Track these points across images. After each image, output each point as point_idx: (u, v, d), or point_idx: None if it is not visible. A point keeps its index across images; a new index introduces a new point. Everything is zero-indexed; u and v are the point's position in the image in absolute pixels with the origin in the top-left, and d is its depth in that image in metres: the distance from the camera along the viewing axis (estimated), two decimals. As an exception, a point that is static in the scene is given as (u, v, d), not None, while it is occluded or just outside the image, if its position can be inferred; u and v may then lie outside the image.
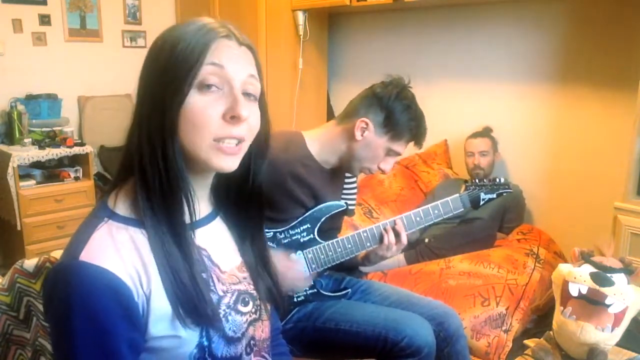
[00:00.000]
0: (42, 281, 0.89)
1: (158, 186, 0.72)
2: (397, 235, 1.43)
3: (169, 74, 0.71)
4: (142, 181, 0.73)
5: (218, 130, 0.72)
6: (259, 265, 0.89)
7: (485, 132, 2.65)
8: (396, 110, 1.40)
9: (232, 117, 0.72)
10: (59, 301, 0.68)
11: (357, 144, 1.42)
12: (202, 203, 0.83)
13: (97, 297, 0.67)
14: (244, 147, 0.77)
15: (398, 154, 1.46)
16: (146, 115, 0.73)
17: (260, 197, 0.88)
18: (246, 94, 0.75)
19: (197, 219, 0.79)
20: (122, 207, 0.75)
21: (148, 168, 0.72)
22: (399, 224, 1.44)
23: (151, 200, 0.73)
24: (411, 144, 1.47)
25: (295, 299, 1.47)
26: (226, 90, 0.73)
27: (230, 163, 0.75)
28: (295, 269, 1.39)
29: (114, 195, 0.77)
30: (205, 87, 0.71)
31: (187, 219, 0.76)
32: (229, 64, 0.73)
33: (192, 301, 0.73)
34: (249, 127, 0.76)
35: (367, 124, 1.41)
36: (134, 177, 0.75)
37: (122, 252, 0.70)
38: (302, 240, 1.45)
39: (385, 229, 1.43)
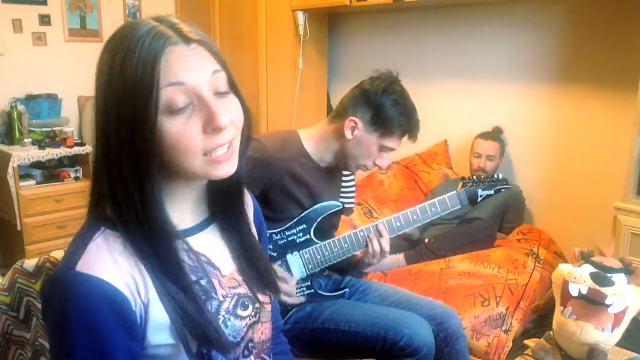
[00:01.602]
0: (42, 283, 0.88)
1: (135, 218, 0.70)
2: (379, 241, 1.44)
3: (129, 104, 0.66)
4: (117, 211, 0.71)
5: (204, 144, 0.69)
6: (250, 261, 0.86)
7: (495, 135, 2.64)
8: (385, 106, 1.38)
9: (213, 129, 0.69)
10: (56, 311, 0.68)
11: (348, 143, 1.42)
12: (195, 210, 0.81)
13: (94, 307, 0.66)
14: (236, 145, 0.75)
15: (392, 149, 1.44)
16: (114, 149, 0.68)
17: (241, 190, 0.85)
18: (218, 93, 0.71)
19: (187, 227, 0.78)
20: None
21: (123, 204, 0.70)
22: (381, 228, 1.44)
23: (129, 230, 0.71)
24: (405, 137, 1.45)
25: (294, 299, 1.47)
26: (196, 102, 0.68)
27: (228, 167, 0.73)
28: (284, 286, 1.39)
29: (109, 203, 0.75)
30: (173, 108, 0.67)
31: (180, 227, 0.75)
32: (189, 76, 0.68)
33: (198, 326, 0.72)
34: (234, 125, 0.73)
35: (355, 122, 1.40)
36: None
37: (119, 262, 0.69)
38: (298, 240, 1.45)
39: (369, 236, 1.44)
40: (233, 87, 0.74)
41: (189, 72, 0.68)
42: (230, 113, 0.71)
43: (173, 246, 0.73)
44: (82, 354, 0.67)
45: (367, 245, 1.44)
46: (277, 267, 1.41)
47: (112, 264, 0.69)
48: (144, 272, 0.71)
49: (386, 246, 1.44)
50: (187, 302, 0.72)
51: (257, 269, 0.87)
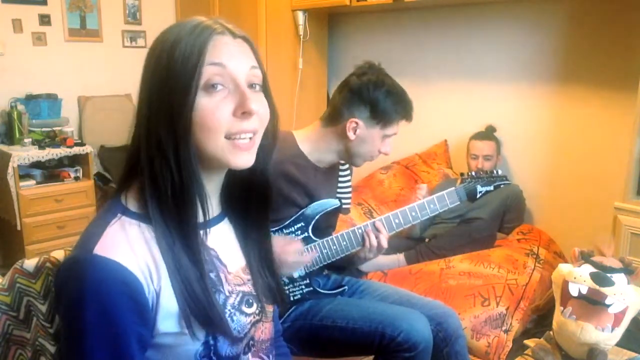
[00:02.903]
0: (42, 281, 0.88)
1: (170, 191, 0.72)
2: (377, 237, 1.43)
3: (173, 80, 0.71)
4: (152, 187, 0.73)
5: (230, 126, 0.73)
6: (262, 264, 0.89)
7: (489, 134, 2.64)
8: (379, 100, 1.40)
9: (242, 113, 0.73)
10: (72, 293, 0.68)
11: (352, 142, 1.43)
12: (211, 204, 0.82)
13: (110, 290, 0.67)
14: (257, 140, 0.78)
15: (394, 134, 1.46)
16: (154, 122, 0.72)
17: (267, 192, 0.87)
18: (251, 86, 0.76)
19: (210, 218, 0.79)
20: (133, 204, 0.75)
21: (159, 174, 0.72)
22: (379, 225, 1.44)
23: (161, 205, 0.73)
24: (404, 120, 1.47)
25: (292, 298, 1.47)
26: (232, 88, 0.73)
27: (247, 158, 0.76)
28: (291, 250, 1.37)
29: (126, 192, 0.77)
30: (210, 87, 0.72)
31: (200, 219, 0.76)
32: (230, 61, 0.73)
33: (203, 310, 0.73)
34: (260, 118, 0.77)
35: (357, 122, 1.41)
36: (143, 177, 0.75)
37: (135, 248, 0.71)
38: (296, 239, 1.45)
39: (366, 231, 1.43)
40: (265, 88, 0.80)
41: (231, 58, 0.74)
42: (259, 105, 0.76)
43: (198, 227, 0.75)
44: (95, 335, 0.67)
45: (364, 240, 1.44)
46: (278, 238, 1.38)
47: (128, 249, 0.70)
48: (158, 260, 0.72)
49: (384, 242, 1.44)
50: (197, 287, 0.73)
51: (269, 274, 0.89)
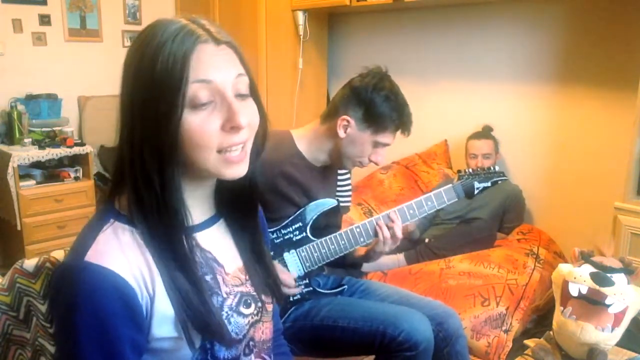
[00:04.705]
0: (42, 281, 0.88)
1: (155, 205, 0.71)
2: (391, 228, 1.42)
3: (156, 93, 0.68)
4: (136, 200, 0.72)
5: (220, 141, 0.71)
6: (256, 260, 0.89)
7: (487, 133, 2.65)
8: (375, 103, 1.38)
9: (231, 127, 0.71)
10: (65, 301, 0.68)
11: (342, 141, 1.42)
12: (203, 206, 0.82)
13: (102, 297, 0.67)
14: (248, 148, 0.77)
15: (386, 144, 1.44)
16: (138, 138, 0.70)
17: (254, 192, 0.87)
18: (239, 95, 0.73)
19: (195, 223, 0.78)
20: (126, 209, 0.75)
21: (143, 191, 0.71)
22: (393, 216, 1.42)
23: (146, 218, 0.72)
24: (399, 132, 1.44)
25: (291, 298, 1.47)
26: (219, 101, 0.71)
27: (240, 170, 0.75)
28: (283, 277, 1.38)
29: (119, 196, 0.76)
30: (198, 105, 0.69)
31: (189, 223, 0.76)
32: (216, 74, 0.70)
33: (200, 317, 0.73)
34: (250, 128, 0.75)
35: (348, 121, 1.40)
36: None
37: (127, 254, 0.70)
38: (294, 239, 1.45)
39: (378, 224, 1.42)
40: (253, 92, 0.77)
41: (216, 71, 0.71)
42: (248, 115, 0.73)
43: (185, 237, 0.75)
44: (88, 343, 0.67)
45: (376, 235, 1.43)
46: (275, 262, 1.40)
47: (120, 256, 0.70)
48: (151, 265, 0.71)
49: (398, 232, 1.42)
50: (193, 294, 0.73)
51: (263, 270, 0.89)
